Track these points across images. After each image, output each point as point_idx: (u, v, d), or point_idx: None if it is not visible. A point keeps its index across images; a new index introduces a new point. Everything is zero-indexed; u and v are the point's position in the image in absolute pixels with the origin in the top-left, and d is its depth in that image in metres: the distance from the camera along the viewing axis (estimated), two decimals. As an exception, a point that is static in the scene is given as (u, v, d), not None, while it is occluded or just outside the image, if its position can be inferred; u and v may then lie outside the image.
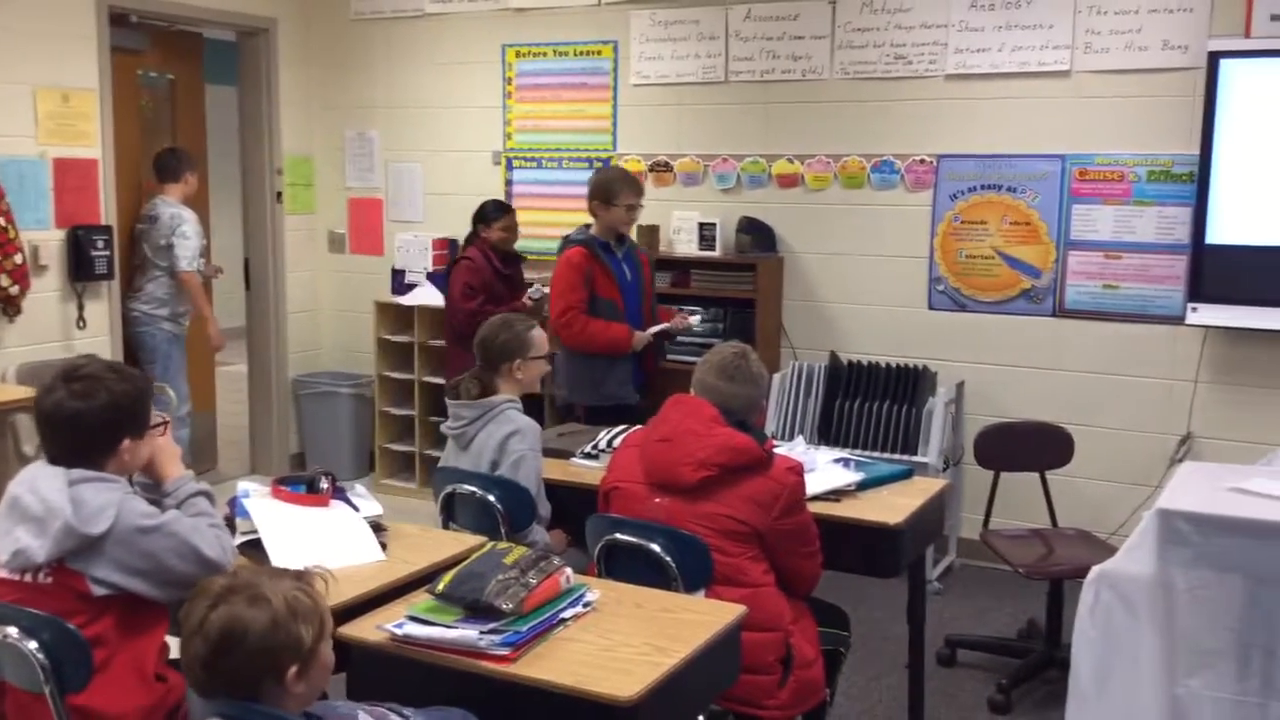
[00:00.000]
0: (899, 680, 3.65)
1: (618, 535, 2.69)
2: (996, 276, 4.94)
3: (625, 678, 2.07)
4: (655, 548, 2.61)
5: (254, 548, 2.58)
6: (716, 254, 5.34)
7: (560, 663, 2.15)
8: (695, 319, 4.86)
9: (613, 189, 4.57)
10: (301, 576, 1.84)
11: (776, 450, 2.87)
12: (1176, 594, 2.97)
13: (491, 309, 4.63)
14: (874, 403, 4.88)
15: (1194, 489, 3.18)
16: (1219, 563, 2.92)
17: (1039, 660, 3.87)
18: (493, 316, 3.42)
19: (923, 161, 5.02)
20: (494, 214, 5.29)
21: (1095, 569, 3.08)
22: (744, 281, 5.22)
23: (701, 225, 5.37)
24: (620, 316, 4.55)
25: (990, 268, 4.95)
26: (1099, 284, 4.75)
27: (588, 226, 4.67)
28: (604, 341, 4.51)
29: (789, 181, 5.32)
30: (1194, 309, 4.45)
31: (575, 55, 5.72)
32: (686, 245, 5.41)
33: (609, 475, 2.91)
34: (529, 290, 5.35)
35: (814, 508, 2.93)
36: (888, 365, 4.95)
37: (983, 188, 4.92)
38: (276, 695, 1.76)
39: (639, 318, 4.67)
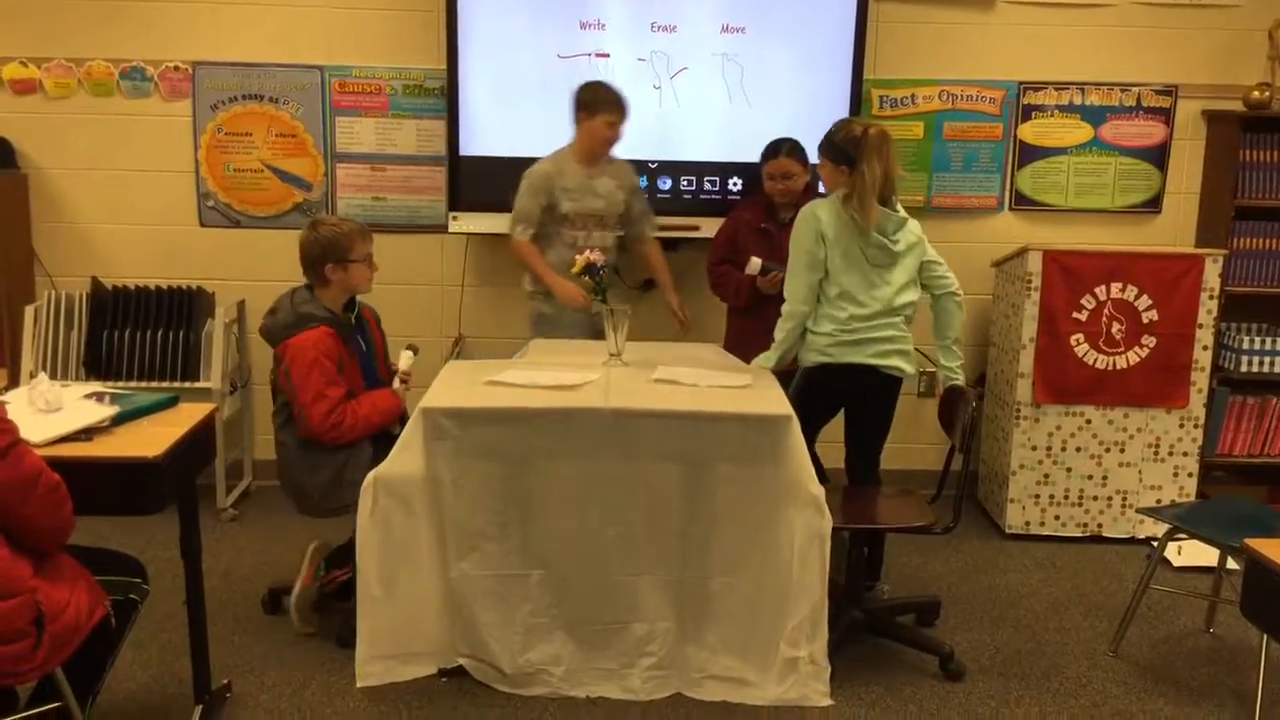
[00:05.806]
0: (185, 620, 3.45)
1: None
2: (267, 190, 4.81)
3: None
4: None
5: None
6: (-63, 172, 4.56)
7: None
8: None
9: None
10: None
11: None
12: (444, 486, 3.16)
13: (728, 278, 4.20)
14: (147, 330, 4.55)
15: (454, 386, 3.40)
16: (478, 451, 3.15)
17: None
18: None
19: (177, 69, 4.69)
20: (767, 157, 4.19)
21: (370, 474, 3.16)
22: (-23, 203, 4.53)
23: (-88, 138, 4.55)
24: None
25: (260, 181, 4.80)
26: (369, 196, 4.83)
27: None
28: None
29: (25, 88, 4.68)
30: (455, 218, 4.71)
31: None
32: (-106, 161, 4.55)
33: None
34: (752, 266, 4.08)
35: (62, 450, 2.63)
36: (159, 288, 4.63)
37: (244, 98, 4.73)
38: None
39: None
